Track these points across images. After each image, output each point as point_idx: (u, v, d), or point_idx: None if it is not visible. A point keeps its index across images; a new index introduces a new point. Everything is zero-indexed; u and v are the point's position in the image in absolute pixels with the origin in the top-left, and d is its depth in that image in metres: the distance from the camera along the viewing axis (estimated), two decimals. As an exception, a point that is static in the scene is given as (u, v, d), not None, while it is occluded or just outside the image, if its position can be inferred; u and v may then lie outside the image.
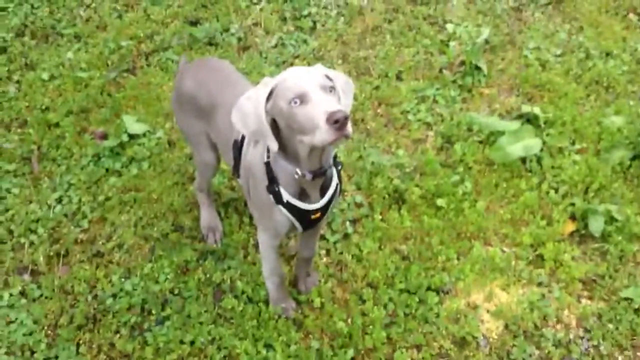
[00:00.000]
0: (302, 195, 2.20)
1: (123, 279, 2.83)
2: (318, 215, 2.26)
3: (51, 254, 2.95)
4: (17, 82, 3.86)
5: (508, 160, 3.21)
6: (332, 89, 1.96)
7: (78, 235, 3.03)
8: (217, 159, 2.75)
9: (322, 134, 1.85)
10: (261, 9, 4.29)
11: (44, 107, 3.66)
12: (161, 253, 2.91)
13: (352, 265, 2.83)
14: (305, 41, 4.08)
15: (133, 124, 3.42)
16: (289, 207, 2.21)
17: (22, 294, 2.80)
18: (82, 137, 3.49)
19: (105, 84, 3.78)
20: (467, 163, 3.25)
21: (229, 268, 2.84)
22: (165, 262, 2.87)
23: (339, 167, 2.26)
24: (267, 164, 2.17)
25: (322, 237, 2.93)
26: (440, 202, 3.08)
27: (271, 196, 2.19)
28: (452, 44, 3.95)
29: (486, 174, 3.20)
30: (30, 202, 3.16)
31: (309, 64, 3.86)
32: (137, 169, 3.29)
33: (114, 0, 4.45)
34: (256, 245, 2.86)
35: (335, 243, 2.93)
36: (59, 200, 3.17)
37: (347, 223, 3.01)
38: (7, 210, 3.13)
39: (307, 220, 2.28)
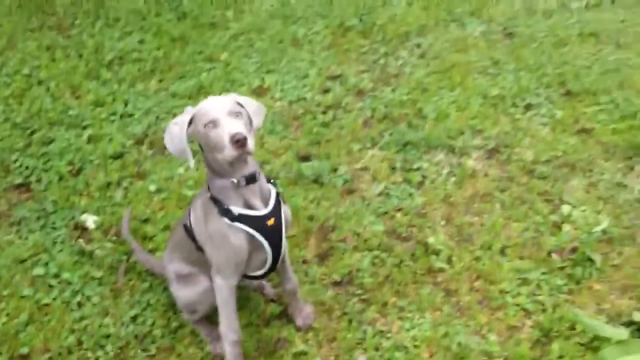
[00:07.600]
0: (248, 206, 2.52)
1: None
2: (272, 221, 2.54)
3: (112, 377, 2.89)
4: (125, 189, 3.96)
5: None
6: (238, 114, 2.42)
7: (143, 361, 2.96)
8: None
9: (228, 151, 2.35)
10: (373, 155, 4.27)
11: (144, 219, 3.72)
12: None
13: None
14: (410, 195, 3.98)
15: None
16: (243, 219, 2.49)
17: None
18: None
19: (206, 205, 3.82)
20: (564, 367, 2.95)
21: None
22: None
23: (275, 183, 2.69)
24: (212, 198, 2.53)
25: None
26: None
27: (225, 219, 2.48)
28: (565, 227, 3.71)
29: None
30: (107, 314, 3.14)
31: (409, 222, 3.75)
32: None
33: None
34: None
35: None
36: (134, 319, 3.13)
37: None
38: (82, 318, 3.12)
39: (266, 230, 2.52)
